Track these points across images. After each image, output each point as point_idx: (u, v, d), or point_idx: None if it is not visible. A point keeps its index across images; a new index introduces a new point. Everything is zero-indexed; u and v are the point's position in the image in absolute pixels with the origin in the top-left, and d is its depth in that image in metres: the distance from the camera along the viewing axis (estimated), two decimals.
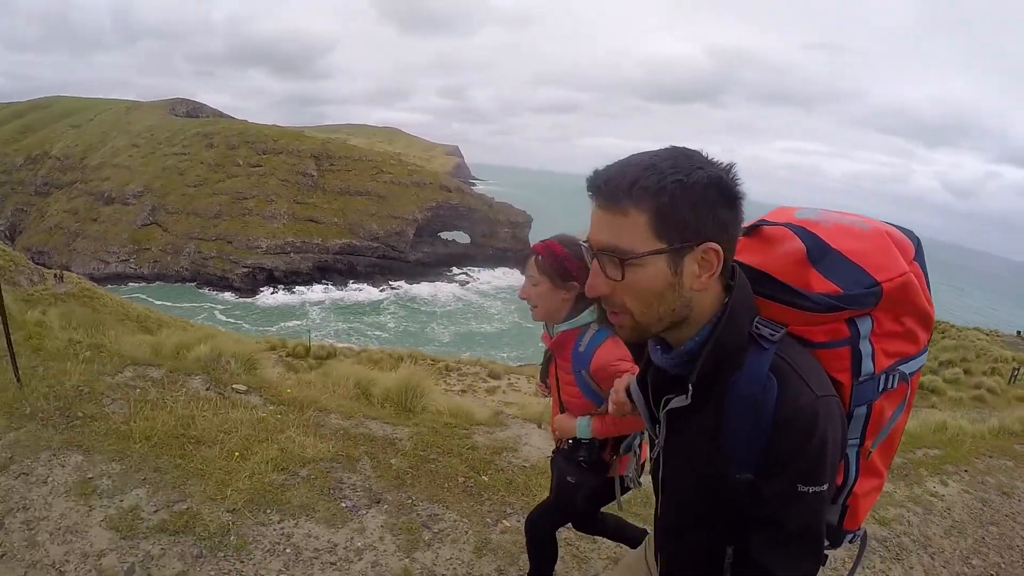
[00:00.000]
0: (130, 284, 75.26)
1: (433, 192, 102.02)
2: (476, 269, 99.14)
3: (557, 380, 2.65)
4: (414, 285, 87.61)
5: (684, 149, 1.25)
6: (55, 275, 33.41)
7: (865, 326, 1.36)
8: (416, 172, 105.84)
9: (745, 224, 1.42)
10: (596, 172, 1.28)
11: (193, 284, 79.69)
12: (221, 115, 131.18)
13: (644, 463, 2.65)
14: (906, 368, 1.42)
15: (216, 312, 70.16)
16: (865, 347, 1.36)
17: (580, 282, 2.35)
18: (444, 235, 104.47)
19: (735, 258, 1.37)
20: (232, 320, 67.14)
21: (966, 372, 26.14)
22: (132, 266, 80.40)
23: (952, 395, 19.30)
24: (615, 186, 1.23)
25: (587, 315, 2.44)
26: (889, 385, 1.40)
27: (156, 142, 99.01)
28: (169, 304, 64.09)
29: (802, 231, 1.39)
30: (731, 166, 1.24)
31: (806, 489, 1.24)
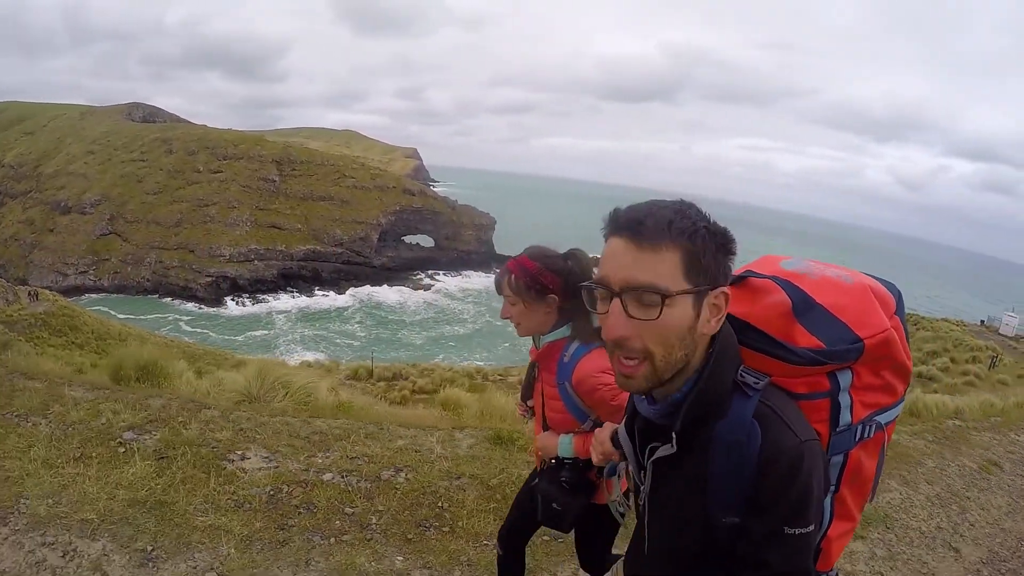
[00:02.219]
0: (88, 296, 73.25)
1: (396, 196, 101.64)
2: (440, 272, 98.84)
3: (543, 396, 2.59)
4: (380, 289, 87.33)
5: (692, 203, 1.31)
6: (29, 293, 32.44)
7: (845, 379, 1.40)
8: (379, 176, 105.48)
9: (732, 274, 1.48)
10: (623, 211, 1.31)
11: (155, 295, 78.03)
12: (179, 120, 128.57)
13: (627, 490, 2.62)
14: (882, 418, 1.47)
15: (181, 323, 68.90)
16: (844, 399, 1.40)
17: (558, 294, 2.35)
18: (408, 239, 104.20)
19: None
20: (198, 330, 66.17)
21: (952, 361, 28.92)
22: (92, 278, 78.54)
23: (947, 381, 20.87)
24: (652, 224, 1.24)
25: (568, 328, 2.41)
26: (866, 435, 1.44)
27: (113, 148, 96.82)
28: (133, 317, 62.80)
29: (788, 285, 1.43)
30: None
31: (792, 531, 1.27)
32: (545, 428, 2.61)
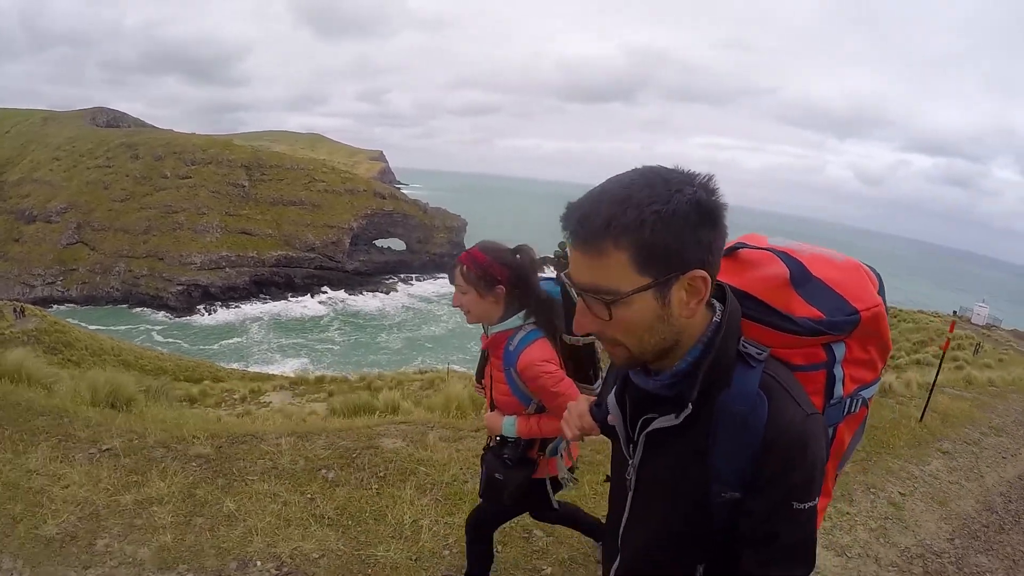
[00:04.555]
0: (55, 307, 71.14)
1: (367, 199, 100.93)
2: (413, 276, 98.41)
3: (491, 379, 2.78)
4: (354, 294, 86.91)
5: (660, 170, 1.20)
6: (15, 309, 31.46)
7: (840, 351, 1.41)
8: (349, 180, 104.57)
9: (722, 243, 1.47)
10: (569, 208, 1.23)
11: (125, 305, 76.62)
12: (143, 124, 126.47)
13: (575, 465, 2.89)
14: (865, 393, 1.51)
15: (153, 333, 67.88)
16: (838, 371, 1.42)
17: (506, 285, 2.52)
18: (379, 243, 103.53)
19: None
20: (171, 340, 65.11)
21: (941, 349, 29.96)
22: (59, 288, 76.85)
23: (944, 367, 22.19)
24: (590, 226, 1.17)
25: (519, 318, 2.58)
26: (852, 409, 1.48)
27: (78, 155, 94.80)
28: (103, 328, 61.50)
29: (785, 256, 1.45)
30: (710, 178, 1.20)
31: (801, 506, 1.25)
32: (493, 408, 2.80)
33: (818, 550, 3.69)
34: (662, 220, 1.14)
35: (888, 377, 10.65)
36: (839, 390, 1.42)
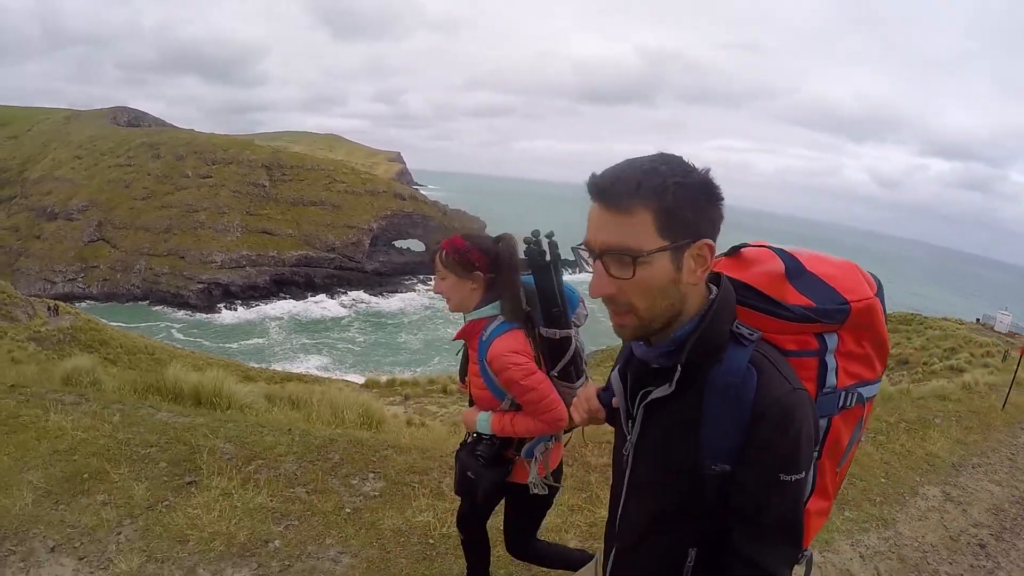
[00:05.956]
0: (76, 304, 71.15)
1: (387, 200, 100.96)
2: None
3: (469, 373, 2.75)
4: (373, 295, 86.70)
5: (671, 155, 1.33)
6: (48, 307, 31.25)
7: (832, 341, 1.47)
8: (369, 181, 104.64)
9: (727, 247, 1.59)
10: (597, 176, 1.33)
11: (146, 302, 76.87)
12: (163, 124, 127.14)
13: (550, 473, 2.75)
14: (864, 391, 1.53)
15: (173, 331, 67.83)
16: (831, 360, 1.47)
17: (483, 271, 2.51)
18: (398, 243, 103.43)
19: (718, 271, 1.48)
20: (190, 339, 64.93)
21: (971, 355, 31.48)
22: (80, 285, 77.21)
23: (975, 372, 22.44)
24: (621, 188, 1.28)
25: (495, 307, 2.54)
26: (848, 403, 1.50)
27: (99, 153, 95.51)
28: (124, 325, 61.48)
29: (781, 252, 1.54)
30: (708, 170, 1.32)
31: (788, 478, 1.30)
32: (471, 403, 2.78)
33: (989, 485, 6.49)
34: (682, 189, 1.27)
35: (967, 377, 11.87)
36: (831, 379, 1.47)
